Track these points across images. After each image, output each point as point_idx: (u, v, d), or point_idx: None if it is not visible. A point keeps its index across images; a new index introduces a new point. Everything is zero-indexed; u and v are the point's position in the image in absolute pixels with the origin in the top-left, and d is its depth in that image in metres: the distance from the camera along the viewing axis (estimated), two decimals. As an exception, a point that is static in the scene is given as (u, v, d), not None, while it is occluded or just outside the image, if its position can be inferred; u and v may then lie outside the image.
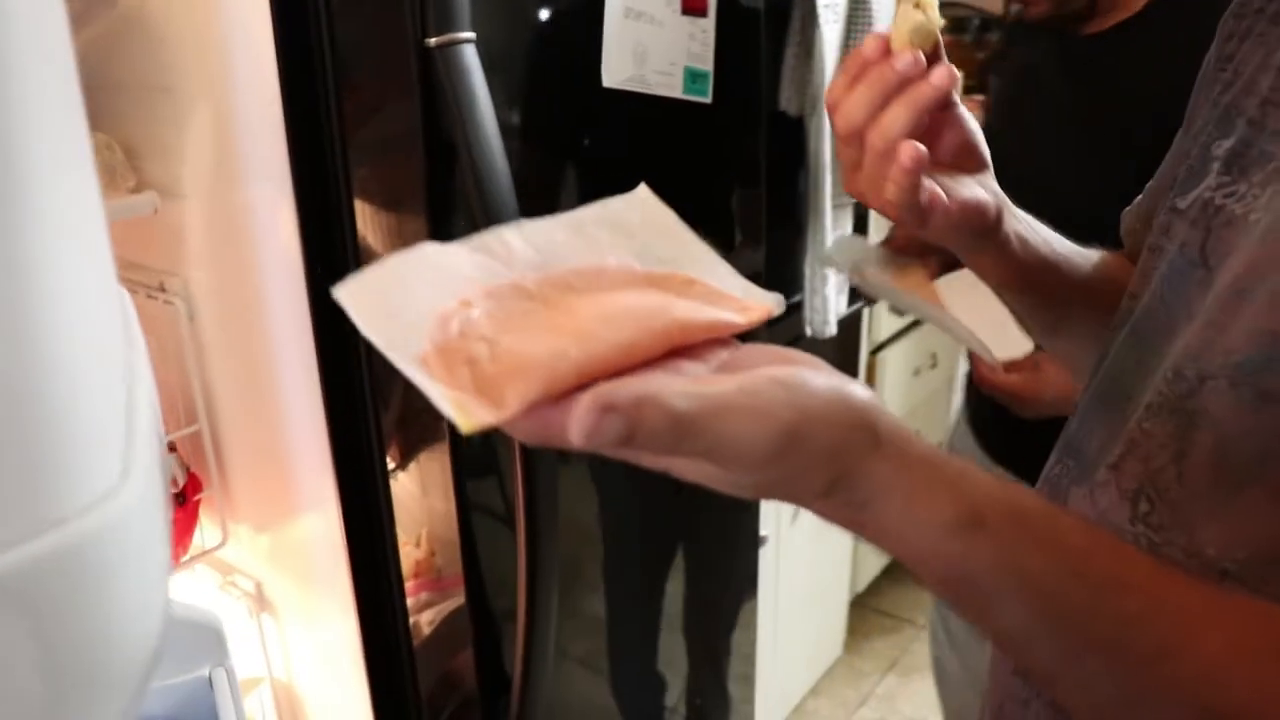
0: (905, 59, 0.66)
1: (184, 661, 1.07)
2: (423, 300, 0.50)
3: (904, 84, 0.68)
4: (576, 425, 0.42)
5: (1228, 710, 0.49)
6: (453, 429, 1.13)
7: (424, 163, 1.00)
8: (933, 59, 0.69)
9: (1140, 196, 0.90)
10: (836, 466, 0.48)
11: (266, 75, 1.04)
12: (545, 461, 1.11)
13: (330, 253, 1.10)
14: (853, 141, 0.69)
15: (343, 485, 1.19)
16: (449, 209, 1.03)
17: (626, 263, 0.55)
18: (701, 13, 1.36)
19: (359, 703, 1.32)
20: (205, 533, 1.36)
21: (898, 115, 0.67)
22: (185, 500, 1.29)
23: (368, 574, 1.23)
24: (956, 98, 0.71)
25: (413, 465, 1.25)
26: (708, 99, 1.41)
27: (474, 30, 0.99)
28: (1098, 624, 0.50)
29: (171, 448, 1.31)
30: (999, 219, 0.74)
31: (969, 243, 0.76)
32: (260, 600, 1.38)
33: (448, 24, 0.97)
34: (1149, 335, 0.70)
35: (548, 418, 0.45)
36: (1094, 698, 0.52)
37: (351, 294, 0.49)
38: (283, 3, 1.01)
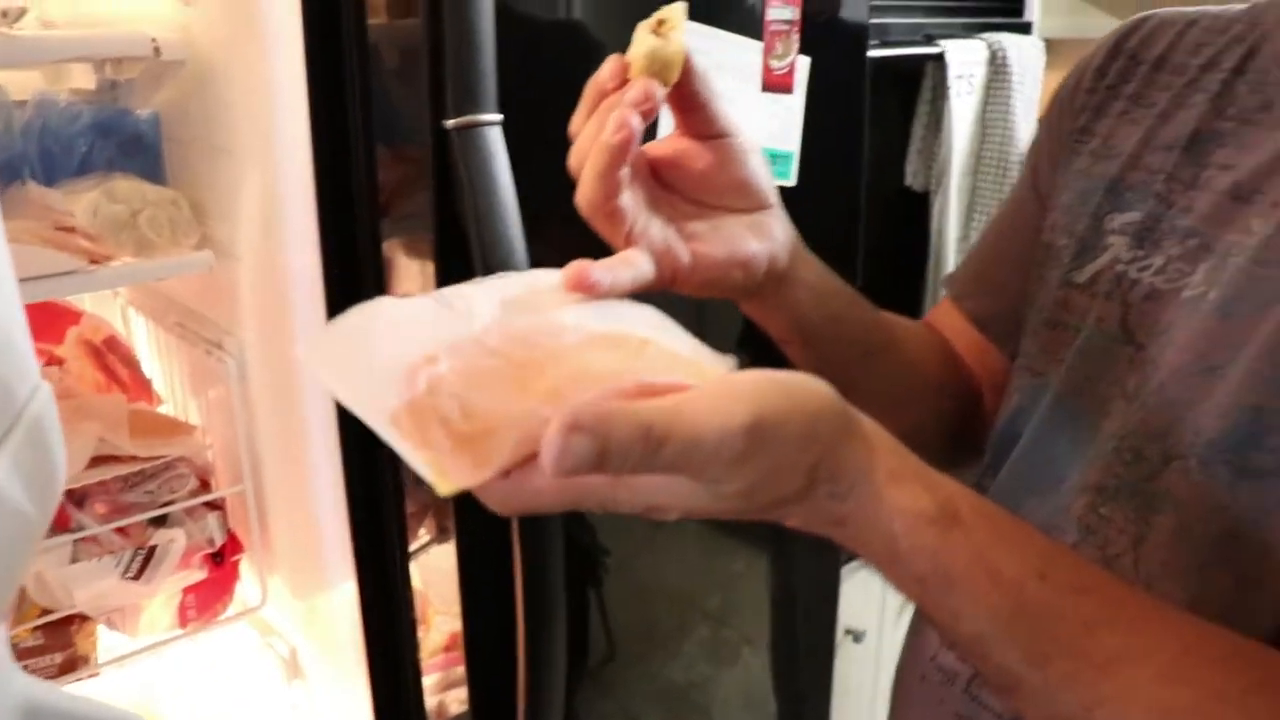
0: (635, 90, 0.58)
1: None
2: (387, 355, 0.48)
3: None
4: (546, 452, 0.40)
5: (1183, 715, 0.49)
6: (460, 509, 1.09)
7: (435, 247, 0.97)
8: (688, 95, 0.62)
9: (965, 262, 0.90)
10: (814, 452, 0.47)
11: (303, 145, 1.03)
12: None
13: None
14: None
15: (362, 560, 1.16)
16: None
17: (584, 322, 0.54)
18: (786, 90, 1.29)
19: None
20: (248, 590, 1.36)
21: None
22: (223, 560, 1.29)
23: (384, 652, 1.20)
24: (733, 127, 0.64)
25: (443, 545, 1.22)
26: (790, 181, 1.34)
27: (502, 110, 0.96)
28: (1061, 626, 0.50)
29: (217, 505, 1.31)
30: (773, 271, 0.68)
31: (738, 295, 0.70)
32: (294, 666, 1.36)
33: (470, 104, 0.94)
34: (1078, 416, 0.70)
35: (521, 480, 0.44)
36: (1055, 705, 0.50)
37: (313, 351, 0.49)
38: (319, 77, 1.00)
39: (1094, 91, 0.79)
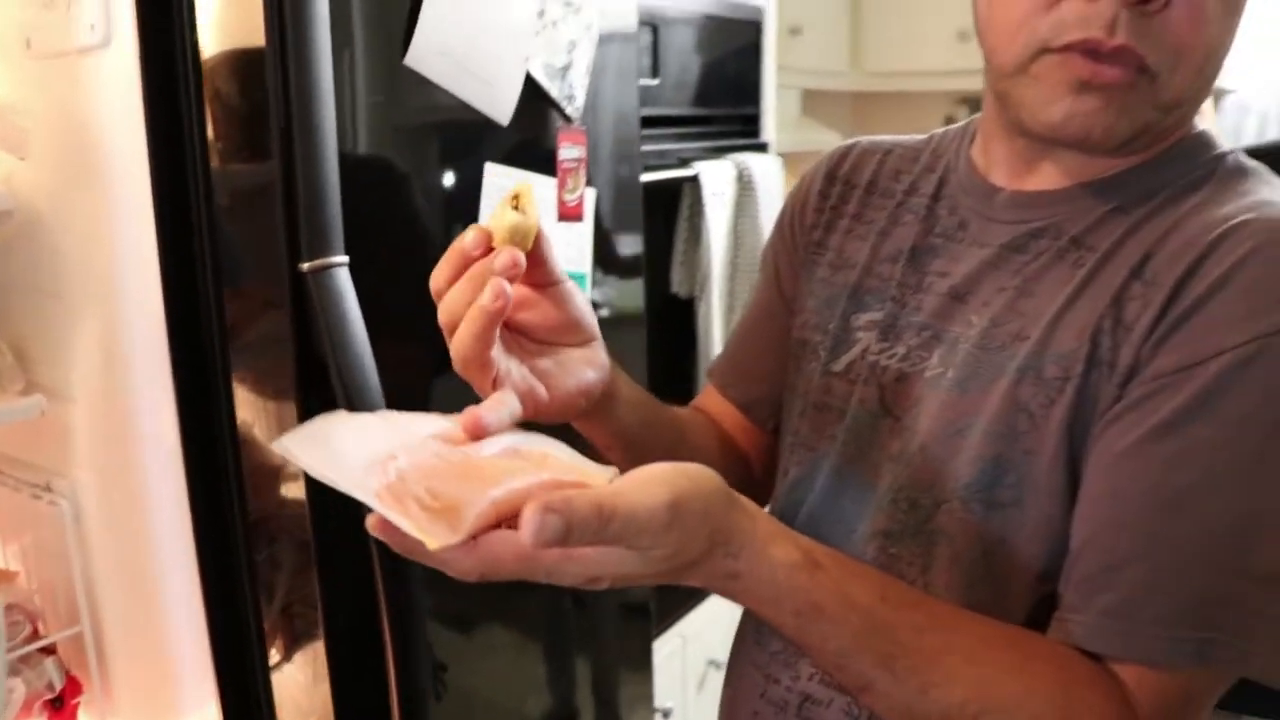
0: (503, 258, 0.67)
1: None
2: (354, 453, 0.59)
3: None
4: (527, 527, 0.52)
5: (995, 694, 0.68)
6: (330, 619, 1.16)
7: (294, 378, 1.05)
8: (532, 253, 0.71)
9: (724, 354, 1.09)
10: (711, 523, 0.61)
11: (151, 286, 1.10)
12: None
13: (211, 455, 1.14)
14: (452, 330, 0.70)
15: (223, 683, 1.20)
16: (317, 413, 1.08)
17: (490, 442, 0.65)
18: (578, 218, 1.45)
19: None
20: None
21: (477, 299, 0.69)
22: (63, 704, 1.29)
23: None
24: (563, 275, 0.75)
25: (299, 655, 1.27)
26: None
27: (348, 253, 1.06)
28: (899, 633, 0.67)
29: (52, 650, 1.32)
30: (605, 393, 0.81)
31: (579, 418, 0.83)
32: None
33: (321, 249, 1.04)
34: (857, 479, 0.86)
35: (485, 549, 0.56)
36: (901, 694, 0.68)
37: (296, 445, 0.60)
38: (169, 218, 1.08)
39: (821, 211, 0.98)
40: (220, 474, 1.16)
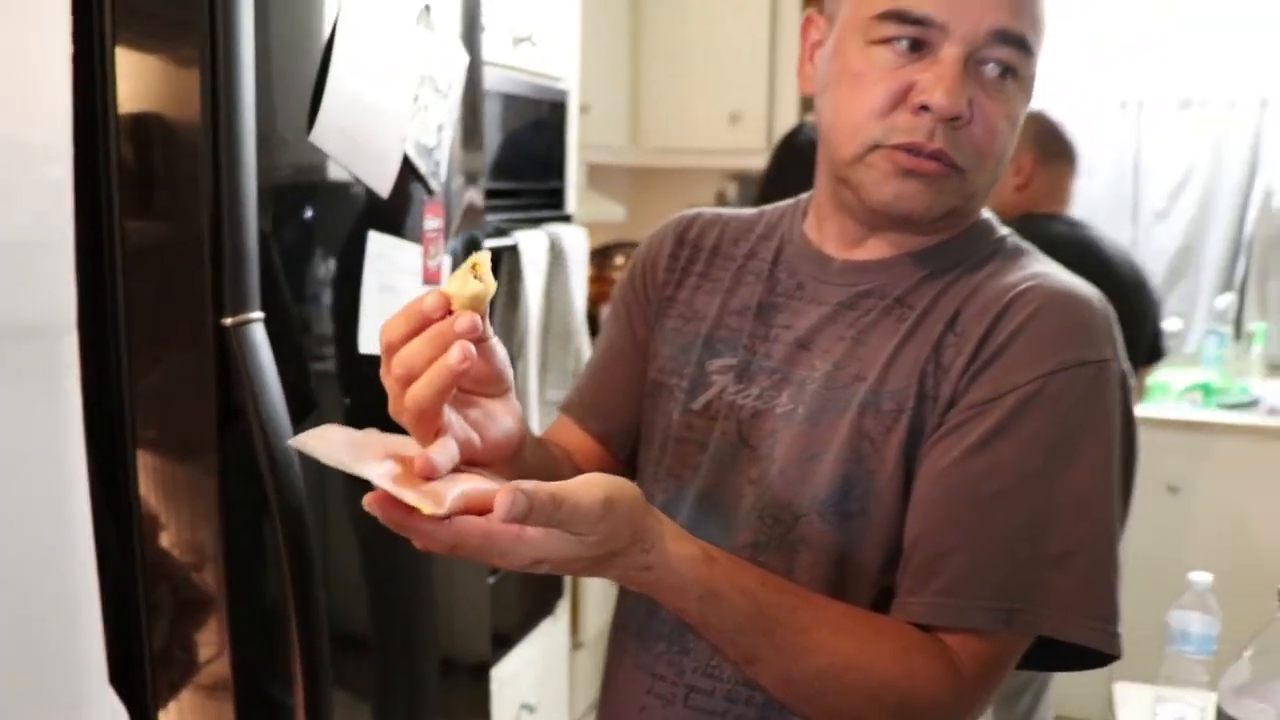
0: (465, 322, 0.73)
1: None
2: (353, 453, 0.74)
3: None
4: (500, 502, 0.67)
5: (853, 657, 0.86)
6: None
7: (215, 425, 1.14)
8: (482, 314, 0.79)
9: (579, 393, 1.22)
10: (634, 523, 0.76)
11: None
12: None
13: (117, 516, 1.19)
14: (406, 382, 0.76)
15: None
16: (235, 466, 1.16)
17: None
18: (438, 283, 1.58)
19: None
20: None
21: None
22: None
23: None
24: (490, 332, 0.81)
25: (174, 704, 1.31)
26: (441, 355, 1.61)
27: (264, 309, 1.16)
28: (778, 613, 0.85)
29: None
30: (522, 438, 0.90)
31: (501, 462, 0.90)
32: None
33: (241, 305, 1.13)
34: (722, 501, 1.03)
35: (458, 524, 0.69)
36: (780, 662, 0.85)
37: (308, 444, 0.74)
38: (80, 273, 1.13)
39: (672, 270, 1.15)
40: (125, 535, 1.20)
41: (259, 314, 1.15)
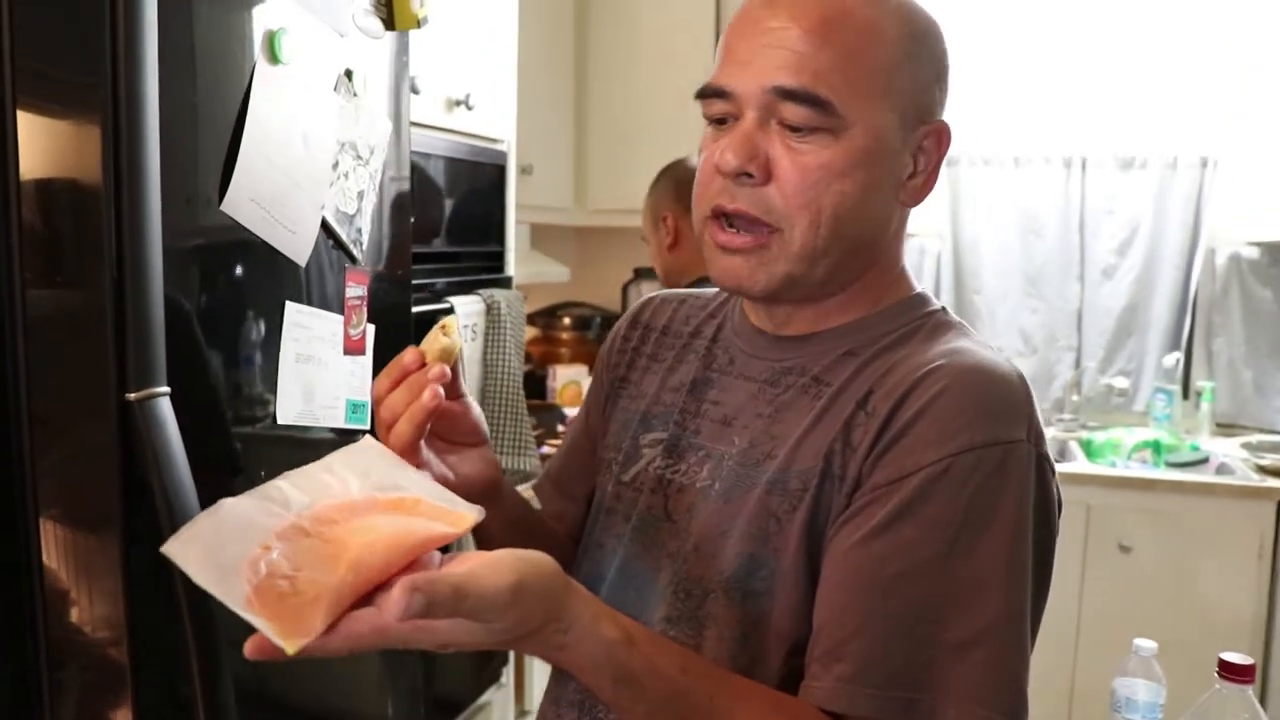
0: (436, 370, 0.93)
1: None
2: (233, 550, 0.71)
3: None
4: (394, 607, 0.65)
5: None
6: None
7: (120, 500, 1.10)
8: (453, 367, 0.97)
9: (545, 475, 1.29)
10: (548, 605, 0.75)
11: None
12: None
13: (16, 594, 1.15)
14: (391, 424, 0.93)
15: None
16: (143, 539, 1.13)
17: (369, 494, 0.80)
18: (360, 352, 1.56)
19: None
20: None
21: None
22: None
23: None
24: (466, 391, 1.02)
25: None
26: (367, 425, 1.59)
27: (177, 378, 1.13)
28: (697, 699, 0.84)
29: None
30: (494, 485, 1.05)
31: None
32: None
33: (146, 379, 1.11)
34: (642, 572, 1.04)
35: (346, 630, 0.68)
36: None
37: (179, 551, 0.70)
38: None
39: (624, 353, 1.19)
40: (21, 598, 1.17)
41: (164, 389, 1.12)
